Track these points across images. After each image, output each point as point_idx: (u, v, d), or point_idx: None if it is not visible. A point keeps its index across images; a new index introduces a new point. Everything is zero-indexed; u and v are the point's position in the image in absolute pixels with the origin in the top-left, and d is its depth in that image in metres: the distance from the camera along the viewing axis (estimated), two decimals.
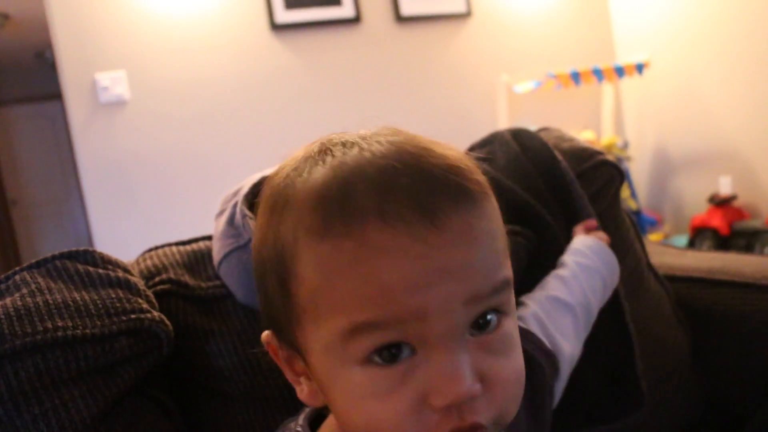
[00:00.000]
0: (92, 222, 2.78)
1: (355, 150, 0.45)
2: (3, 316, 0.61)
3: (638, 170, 3.70)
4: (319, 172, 0.45)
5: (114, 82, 2.75)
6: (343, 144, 0.46)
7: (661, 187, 3.68)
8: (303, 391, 0.51)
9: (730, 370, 1.05)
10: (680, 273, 1.11)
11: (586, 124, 3.58)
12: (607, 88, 3.57)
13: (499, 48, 3.42)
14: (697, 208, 3.32)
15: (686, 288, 1.09)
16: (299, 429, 0.55)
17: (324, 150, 0.47)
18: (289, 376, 0.51)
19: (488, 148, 1.04)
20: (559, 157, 0.94)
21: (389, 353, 0.43)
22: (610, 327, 0.89)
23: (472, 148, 1.03)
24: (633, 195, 3.48)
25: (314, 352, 0.46)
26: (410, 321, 0.42)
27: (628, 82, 3.60)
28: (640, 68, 3.28)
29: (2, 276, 0.70)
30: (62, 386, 0.60)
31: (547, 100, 3.46)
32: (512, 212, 0.87)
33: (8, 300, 0.64)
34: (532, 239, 0.86)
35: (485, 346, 0.45)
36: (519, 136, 1.00)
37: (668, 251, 1.26)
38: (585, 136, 3.41)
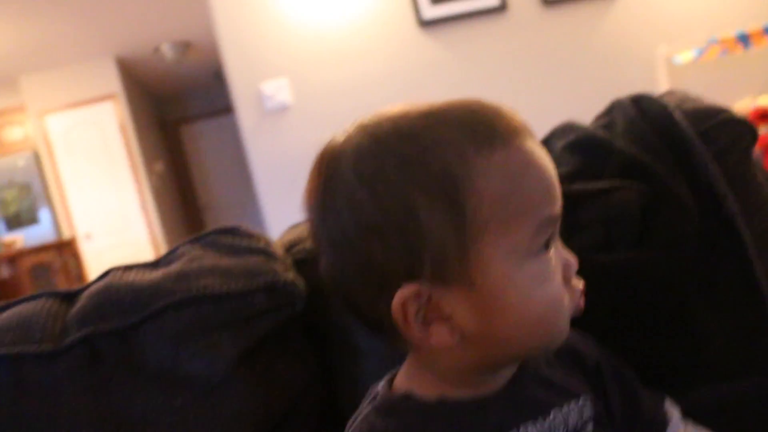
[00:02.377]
0: (266, 218, 3.06)
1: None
2: (167, 277, 0.76)
3: None
4: (450, 112, 0.53)
5: (277, 90, 3.01)
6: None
7: None
8: (438, 335, 0.53)
9: None
10: None
11: (761, 88, 3.29)
12: None
13: (654, 17, 3.25)
14: None
15: None
16: (382, 383, 0.63)
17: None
18: (417, 333, 0.53)
19: (609, 116, 1.04)
20: (679, 117, 0.93)
21: (548, 241, 0.53)
22: (738, 281, 0.87)
23: (597, 118, 1.05)
24: None
25: (490, 263, 0.51)
26: (559, 214, 0.54)
27: None
28: None
29: (171, 249, 0.86)
30: (212, 331, 0.73)
31: (714, 68, 3.24)
32: (624, 170, 0.88)
33: (173, 266, 0.79)
34: (645, 193, 0.86)
35: None
36: (639, 101, 1.00)
37: None
38: (761, 102, 3.15)
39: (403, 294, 0.51)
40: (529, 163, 0.52)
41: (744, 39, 2.94)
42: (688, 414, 0.74)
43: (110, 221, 5.62)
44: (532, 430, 0.57)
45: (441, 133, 0.51)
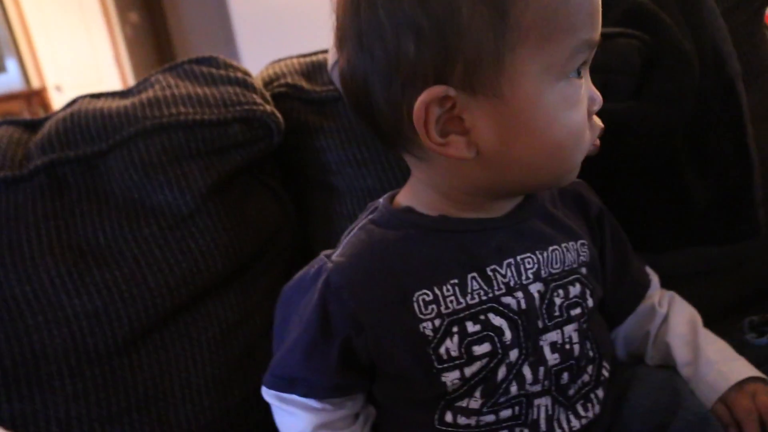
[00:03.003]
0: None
1: None
2: (137, 104, 0.71)
3: None
4: None
5: None
6: None
7: None
8: (455, 146, 0.51)
9: None
10: None
11: None
12: None
13: None
14: None
15: None
16: (382, 199, 0.61)
17: None
18: (435, 139, 0.50)
19: None
20: None
21: (581, 68, 0.51)
22: (729, 147, 0.84)
23: None
24: None
25: (523, 77, 0.48)
26: (595, 44, 0.51)
27: None
28: None
29: (143, 78, 0.80)
30: (183, 161, 0.70)
31: None
32: (629, 17, 0.83)
33: (143, 94, 0.74)
34: (648, 42, 0.81)
35: None
36: None
37: None
38: None
39: (429, 94, 0.48)
40: None
41: None
42: (663, 273, 0.75)
43: (82, 73, 5.41)
44: (530, 260, 0.58)
45: None
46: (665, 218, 0.82)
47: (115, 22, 5.33)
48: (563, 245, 0.60)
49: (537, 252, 0.58)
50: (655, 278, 0.73)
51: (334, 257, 0.58)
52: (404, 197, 0.60)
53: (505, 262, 0.57)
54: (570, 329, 0.59)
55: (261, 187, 0.77)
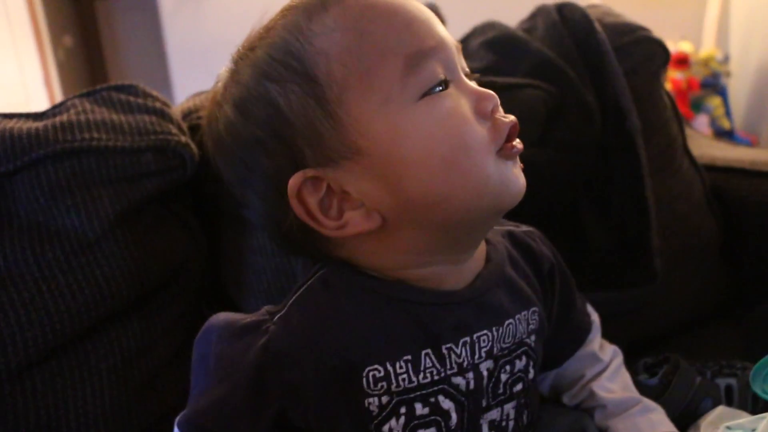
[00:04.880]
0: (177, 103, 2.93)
1: None
2: (50, 127, 0.70)
3: (737, 88, 3.48)
4: (296, 2, 0.52)
5: None
6: None
7: (760, 108, 3.45)
8: (353, 223, 0.49)
9: (758, 262, 1.04)
10: (721, 163, 1.10)
11: (684, 34, 3.37)
12: None
13: None
14: None
15: (724, 178, 1.07)
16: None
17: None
18: (328, 224, 0.49)
19: (533, 20, 1.03)
20: (598, 28, 0.93)
21: (443, 86, 0.49)
22: (628, 197, 0.90)
23: (521, 22, 1.04)
24: (727, 113, 3.28)
25: (368, 120, 0.47)
26: (440, 49, 0.49)
27: None
28: None
29: (59, 102, 0.79)
30: (93, 187, 0.69)
31: (644, 5, 3.27)
32: (536, 70, 0.88)
33: (57, 118, 0.73)
34: (553, 94, 0.87)
35: None
36: (563, 8, 0.99)
37: (719, 145, 1.23)
38: (681, 47, 3.23)
39: (292, 186, 0.48)
40: (372, 5, 0.48)
41: None
42: None
43: (9, 94, 5.23)
44: (485, 338, 0.55)
45: (277, 23, 0.51)
46: (568, 263, 0.86)
47: (47, 44, 5.20)
48: (517, 317, 0.58)
49: (494, 328, 0.55)
50: (596, 319, 0.72)
51: (278, 317, 0.52)
52: (361, 255, 0.54)
53: (461, 341, 0.53)
54: (509, 406, 0.57)
55: (172, 217, 0.77)
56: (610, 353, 0.70)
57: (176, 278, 0.76)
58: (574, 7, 0.98)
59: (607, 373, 0.68)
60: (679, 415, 0.69)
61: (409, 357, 0.51)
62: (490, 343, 0.55)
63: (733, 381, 0.79)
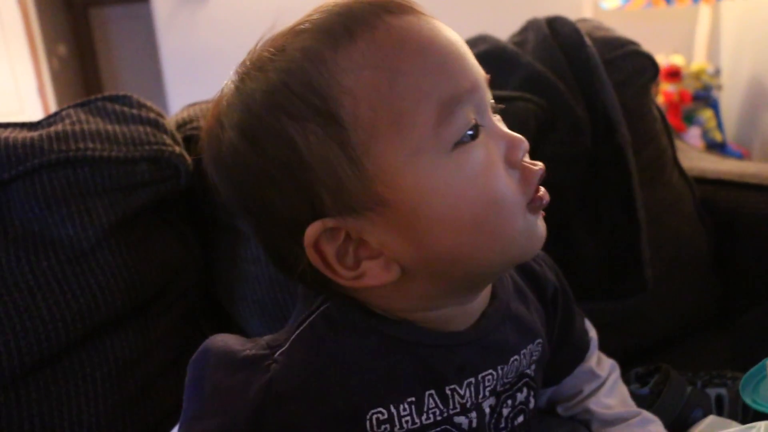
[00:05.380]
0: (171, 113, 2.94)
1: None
2: (45, 137, 0.71)
3: (729, 100, 3.51)
4: (306, 21, 0.46)
5: None
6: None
7: (751, 120, 3.48)
8: (372, 274, 0.46)
9: (748, 274, 1.05)
10: (711, 176, 1.11)
11: (676, 47, 3.40)
12: (703, 9, 3.36)
13: None
14: None
15: (714, 190, 1.09)
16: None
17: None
18: (345, 275, 0.46)
19: (524, 34, 1.05)
20: (588, 42, 0.95)
21: (474, 131, 0.44)
22: (619, 208, 0.91)
23: (513, 36, 1.05)
24: (719, 126, 3.31)
25: (395, 172, 0.43)
26: (474, 91, 0.45)
27: (728, 4, 3.38)
28: None
29: (53, 112, 0.80)
30: (88, 196, 0.70)
31: (636, 19, 3.31)
32: (527, 83, 0.89)
33: (52, 128, 0.74)
34: (544, 107, 0.88)
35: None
36: (553, 22, 1.01)
37: (708, 158, 1.25)
38: (673, 60, 3.26)
39: (310, 236, 0.44)
40: (405, 40, 0.43)
41: None
42: None
43: (3, 103, 5.23)
44: (490, 378, 0.53)
45: (296, 47, 0.44)
46: None
47: (42, 53, 5.20)
48: (522, 352, 0.56)
49: (499, 367, 0.53)
50: (594, 335, 0.72)
51: (278, 354, 0.49)
52: (368, 291, 0.51)
53: (466, 382, 0.51)
54: None
55: (166, 227, 0.77)
56: (607, 368, 0.70)
57: (171, 287, 0.76)
58: (565, 21, 0.99)
59: (605, 389, 0.67)
60: (669, 425, 0.70)
61: (413, 399, 0.49)
62: (494, 383, 0.53)
63: (723, 391, 0.80)
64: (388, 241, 0.45)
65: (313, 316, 0.51)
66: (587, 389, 0.67)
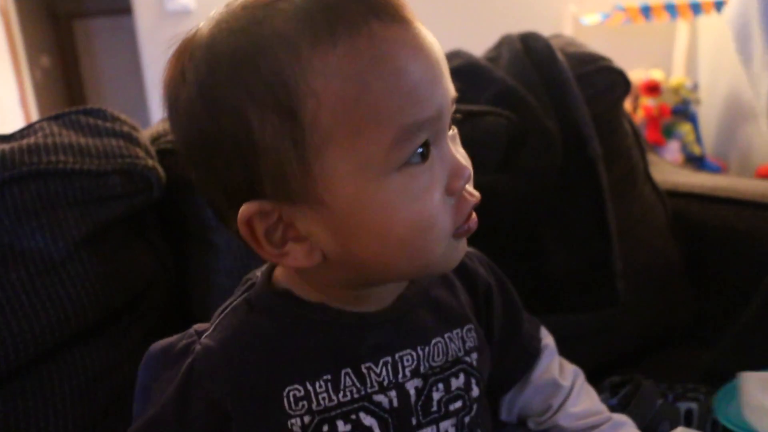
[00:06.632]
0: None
1: None
2: (16, 149, 0.71)
3: (707, 115, 3.55)
4: (289, 3, 0.44)
5: None
6: None
7: (729, 134, 3.52)
8: (294, 256, 0.48)
9: (720, 285, 1.07)
10: (683, 189, 1.13)
11: (655, 62, 3.45)
12: (681, 26, 3.41)
13: None
14: (765, 158, 3.18)
15: (685, 203, 1.10)
16: (258, 274, 0.57)
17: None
18: (270, 251, 0.48)
19: (498, 50, 1.06)
20: (560, 57, 0.96)
21: (425, 150, 0.45)
22: (590, 221, 0.92)
23: (487, 51, 1.06)
24: (698, 140, 3.35)
25: (339, 180, 0.44)
26: (437, 119, 0.45)
27: (706, 21, 3.43)
28: (719, 5, 3.11)
29: (27, 125, 0.80)
30: (59, 208, 0.70)
31: (616, 35, 3.35)
32: (499, 98, 0.91)
33: (24, 140, 0.74)
34: (515, 121, 0.89)
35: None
36: (526, 38, 1.02)
37: (682, 172, 1.27)
38: (652, 75, 3.30)
39: (245, 212, 0.46)
40: (383, 57, 0.43)
41: (646, 11, 3.05)
42: None
43: None
44: (408, 357, 0.55)
45: (275, 26, 0.43)
46: (528, 286, 0.88)
47: (24, 64, 5.17)
48: (446, 335, 0.57)
49: (418, 348, 0.55)
50: (549, 343, 0.71)
51: (204, 338, 0.53)
52: (284, 275, 0.55)
53: (381, 361, 0.53)
54: (447, 425, 0.56)
55: (138, 240, 0.78)
56: (571, 376, 0.70)
57: (142, 300, 0.76)
58: (537, 37, 1.01)
59: (571, 398, 0.68)
60: None
61: (328, 377, 0.52)
62: (415, 363, 0.55)
63: (694, 405, 0.81)
64: (317, 232, 0.47)
65: (236, 301, 0.55)
66: (555, 403, 0.67)
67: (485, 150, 0.86)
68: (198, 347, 0.52)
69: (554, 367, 0.69)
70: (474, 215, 0.50)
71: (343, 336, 0.53)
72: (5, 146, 0.73)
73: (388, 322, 0.55)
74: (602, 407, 0.69)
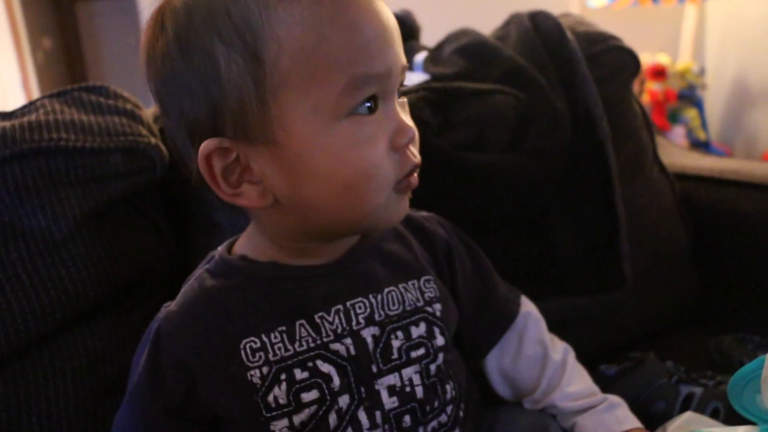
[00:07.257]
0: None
1: None
2: (17, 126, 0.70)
3: (713, 100, 3.53)
4: None
5: None
6: None
7: (735, 120, 3.50)
8: (248, 196, 0.52)
9: (727, 269, 1.06)
10: (691, 172, 1.11)
11: (662, 46, 3.41)
12: (689, 9, 3.37)
13: None
14: None
15: (694, 186, 1.09)
16: (221, 247, 0.62)
17: None
18: (225, 190, 0.52)
19: (506, 28, 1.04)
20: (570, 36, 0.94)
21: (372, 104, 0.51)
22: (598, 203, 0.91)
23: (495, 30, 1.05)
24: (703, 125, 3.33)
25: (293, 120, 0.49)
26: (386, 77, 0.50)
27: (714, 4, 3.40)
28: None
29: (28, 102, 0.79)
30: (60, 186, 0.69)
31: (623, 18, 3.31)
32: (507, 77, 0.89)
33: (25, 117, 0.73)
34: (523, 100, 0.87)
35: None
36: (535, 16, 1.00)
37: (689, 155, 1.25)
38: (659, 59, 3.27)
39: (205, 148, 0.50)
40: (341, 12, 0.48)
41: None
42: None
43: None
44: (361, 305, 0.58)
45: None
46: (534, 268, 0.87)
47: (26, 46, 5.15)
48: (401, 285, 0.61)
49: (370, 296, 0.59)
50: (531, 310, 0.72)
51: (172, 306, 0.58)
52: (240, 245, 0.61)
53: (333, 309, 0.57)
54: (410, 371, 0.58)
55: (141, 219, 0.76)
56: (561, 351, 0.71)
57: (144, 280, 0.76)
58: (547, 16, 0.99)
59: (565, 378, 0.68)
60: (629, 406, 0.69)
61: (283, 328, 0.55)
62: (368, 310, 0.58)
63: (698, 390, 0.79)
64: (270, 174, 0.51)
65: (198, 271, 0.61)
66: (545, 382, 0.68)
67: (493, 129, 0.85)
68: (161, 314, 0.58)
69: (544, 338, 0.71)
70: (415, 175, 0.55)
71: (294, 289, 0.57)
72: (6, 123, 0.71)
73: (337, 272, 0.58)
74: (596, 388, 0.70)
